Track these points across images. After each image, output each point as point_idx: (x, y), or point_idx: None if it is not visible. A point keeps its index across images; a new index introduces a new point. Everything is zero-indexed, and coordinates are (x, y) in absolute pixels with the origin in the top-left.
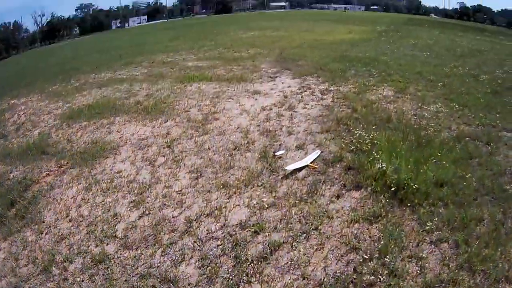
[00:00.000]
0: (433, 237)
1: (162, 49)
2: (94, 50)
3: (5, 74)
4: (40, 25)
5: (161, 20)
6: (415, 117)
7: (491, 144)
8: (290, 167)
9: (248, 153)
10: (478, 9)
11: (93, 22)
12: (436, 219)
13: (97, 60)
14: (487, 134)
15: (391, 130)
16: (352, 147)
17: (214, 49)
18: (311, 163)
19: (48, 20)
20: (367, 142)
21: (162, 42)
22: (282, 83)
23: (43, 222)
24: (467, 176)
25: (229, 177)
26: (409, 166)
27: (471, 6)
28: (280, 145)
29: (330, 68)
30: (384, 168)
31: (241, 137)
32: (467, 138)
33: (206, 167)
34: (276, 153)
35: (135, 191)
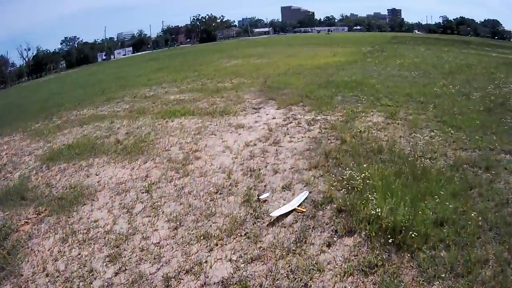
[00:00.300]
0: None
1: (145, 82)
2: (78, 85)
3: None
4: (26, 59)
5: (146, 51)
6: (409, 146)
7: (491, 170)
8: (276, 213)
9: (231, 197)
10: (461, 21)
11: (78, 55)
12: (438, 265)
13: (80, 96)
14: (485, 159)
15: (383, 163)
16: (343, 186)
17: (197, 80)
18: (298, 206)
19: (34, 54)
20: (358, 179)
21: (146, 75)
22: (267, 114)
23: (21, 275)
24: (468, 211)
25: (210, 225)
26: (405, 205)
27: (453, 19)
28: (265, 186)
29: (316, 95)
30: (379, 210)
31: (223, 178)
32: (465, 165)
33: (186, 214)
34: (260, 197)
35: (112, 243)
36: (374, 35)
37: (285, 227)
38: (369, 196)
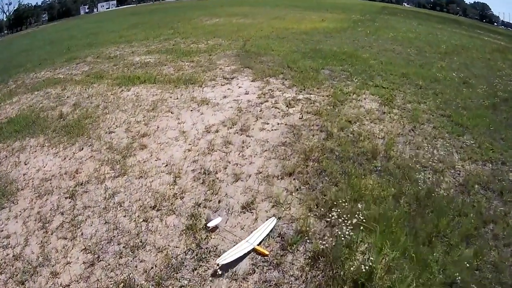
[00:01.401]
0: None
1: (115, 39)
2: (48, 41)
3: None
4: (7, 13)
5: (130, 5)
6: (409, 150)
7: (505, 197)
8: (225, 260)
9: (170, 217)
10: (451, 0)
11: (61, 8)
12: None
13: (46, 53)
14: (498, 179)
15: (379, 175)
16: (324, 212)
17: (171, 39)
18: (259, 244)
19: (15, 8)
20: (346, 203)
21: (119, 31)
22: (239, 87)
23: None
24: (483, 265)
25: (136, 266)
26: (408, 259)
27: None
28: (219, 202)
29: (300, 66)
30: (372, 264)
31: (168, 182)
32: (476, 186)
33: (108, 241)
34: (209, 224)
35: (17, 277)
36: (363, 3)
37: (236, 280)
38: (360, 237)
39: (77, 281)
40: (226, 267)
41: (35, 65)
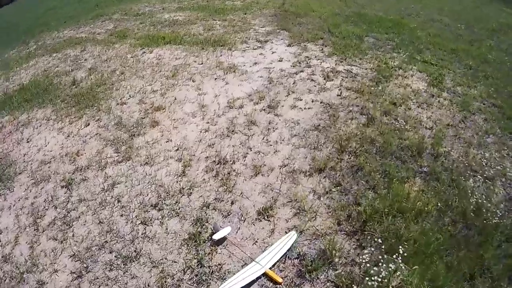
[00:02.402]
0: None
1: None
2: None
3: None
4: None
5: None
6: (460, 148)
7: None
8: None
9: (172, 221)
10: None
11: None
12: None
13: (73, 11)
14: None
15: (424, 181)
16: (356, 225)
17: None
18: (272, 267)
19: None
20: (382, 216)
21: None
22: (273, 52)
23: None
24: None
25: (126, 283)
26: None
27: None
28: (231, 203)
29: (342, 31)
30: None
31: (175, 173)
32: None
33: (100, 248)
34: (215, 236)
35: (5, 283)
36: None
37: None
38: (394, 266)
39: None
40: None
41: (60, 23)
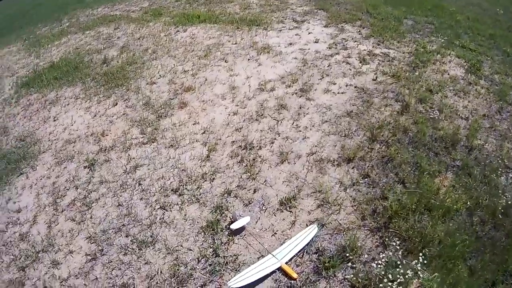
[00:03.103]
0: None
1: None
2: None
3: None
4: None
5: None
6: (494, 142)
7: None
8: (238, 283)
9: (192, 207)
10: None
11: None
12: None
13: None
14: None
15: (455, 175)
16: (380, 222)
17: None
18: (289, 262)
19: None
20: (408, 213)
21: None
22: (309, 33)
23: None
24: None
25: (139, 269)
26: None
27: None
28: (254, 191)
29: (381, 12)
30: None
31: (199, 157)
32: None
33: (116, 231)
34: (233, 225)
35: (20, 261)
36: None
37: None
38: (415, 269)
39: (76, 276)
40: None
41: (95, 0)
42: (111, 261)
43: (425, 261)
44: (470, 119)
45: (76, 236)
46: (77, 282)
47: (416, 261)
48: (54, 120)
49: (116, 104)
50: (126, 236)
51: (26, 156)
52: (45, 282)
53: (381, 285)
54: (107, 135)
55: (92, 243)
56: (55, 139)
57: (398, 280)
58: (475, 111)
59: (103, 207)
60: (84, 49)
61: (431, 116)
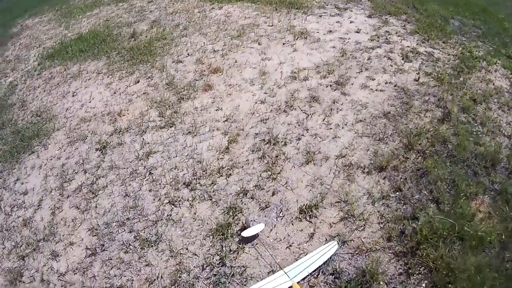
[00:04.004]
0: None
1: None
2: None
3: None
4: None
5: None
6: None
7: None
8: None
9: (204, 205)
10: None
11: None
12: None
13: None
14: None
15: (492, 199)
16: (407, 246)
17: None
18: (301, 282)
19: None
20: (438, 239)
21: None
22: (350, 22)
23: None
24: None
25: (139, 270)
26: None
27: None
28: (272, 194)
29: (428, 9)
30: None
31: (217, 148)
32: None
33: (120, 225)
34: (244, 233)
35: (21, 249)
36: None
37: None
38: None
39: (74, 271)
40: None
41: None
42: (111, 259)
43: None
44: None
45: (79, 226)
46: (75, 278)
47: None
48: (73, 96)
49: (138, 81)
50: (130, 232)
51: (40, 133)
52: (43, 275)
53: None
54: (124, 115)
55: (94, 236)
56: (70, 116)
57: None
58: None
59: (110, 196)
60: (114, 21)
61: (471, 130)
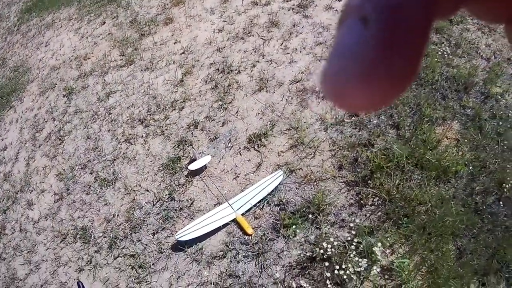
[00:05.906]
0: None
1: None
2: None
3: None
4: None
5: None
6: None
7: None
8: (184, 236)
9: (156, 140)
10: None
11: None
12: None
13: None
14: None
15: (463, 125)
16: (362, 172)
17: None
18: (245, 213)
19: None
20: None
21: None
22: None
23: None
24: None
25: (99, 210)
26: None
27: None
28: (222, 124)
29: None
30: None
31: (173, 82)
32: None
33: (82, 167)
34: (191, 166)
35: (3, 203)
36: None
37: (198, 262)
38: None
39: (45, 217)
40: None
41: None
42: (75, 201)
43: (405, 233)
44: (492, 60)
45: (49, 173)
46: (46, 223)
47: (396, 226)
48: (46, 46)
49: (104, 23)
50: (91, 173)
51: (17, 88)
52: (21, 225)
53: (344, 258)
54: (89, 59)
55: (61, 181)
56: (43, 66)
57: (365, 256)
58: (499, 53)
59: (74, 140)
60: None
61: (446, 49)
